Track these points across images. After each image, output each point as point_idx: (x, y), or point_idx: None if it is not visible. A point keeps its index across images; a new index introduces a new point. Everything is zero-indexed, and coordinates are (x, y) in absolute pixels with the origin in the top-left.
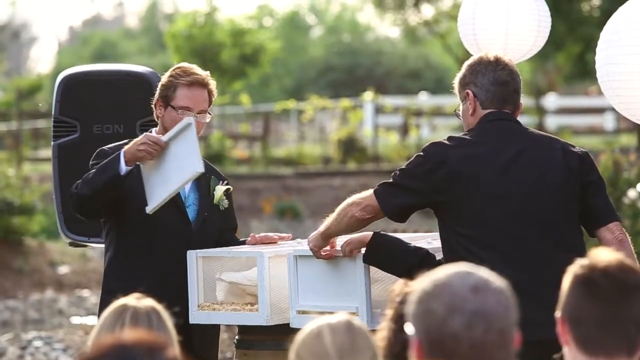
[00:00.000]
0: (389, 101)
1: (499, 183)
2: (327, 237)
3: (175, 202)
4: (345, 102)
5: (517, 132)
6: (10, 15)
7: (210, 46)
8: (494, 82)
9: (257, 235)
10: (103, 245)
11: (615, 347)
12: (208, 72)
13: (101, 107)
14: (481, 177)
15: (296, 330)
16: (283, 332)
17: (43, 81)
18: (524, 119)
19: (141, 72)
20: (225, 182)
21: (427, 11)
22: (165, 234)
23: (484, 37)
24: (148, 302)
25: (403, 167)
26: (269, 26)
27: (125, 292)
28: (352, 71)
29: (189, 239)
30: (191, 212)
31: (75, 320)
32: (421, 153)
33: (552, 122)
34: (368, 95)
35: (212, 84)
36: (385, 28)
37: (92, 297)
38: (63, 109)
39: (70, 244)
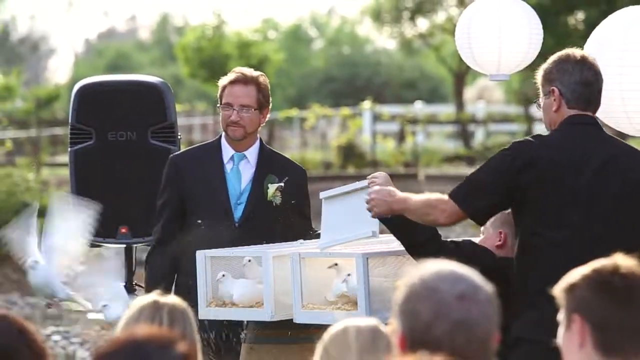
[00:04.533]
0: (387, 109)
1: (584, 188)
2: (395, 213)
3: (222, 202)
4: (345, 111)
5: (603, 139)
6: (29, 28)
7: (218, 57)
8: (581, 82)
9: None
10: (117, 246)
11: (635, 351)
12: (257, 73)
13: (115, 115)
14: (567, 181)
15: (298, 325)
16: (287, 327)
17: (60, 91)
18: (513, 127)
19: (153, 82)
20: (286, 178)
21: (422, 24)
22: (209, 233)
23: (479, 50)
24: (179, 302)
25: (483, 166)
26: (273, 39)
27: (175, 286)
28: (351, 81)
29: (232, 236)
30: (238, 211)
31: (91, 316)
32: (507, 151)
33: (540, 129)
34: (367, 104)
35: (259, 81)
36: (383, 40)
37: (107, 294)
38: (79, 117)
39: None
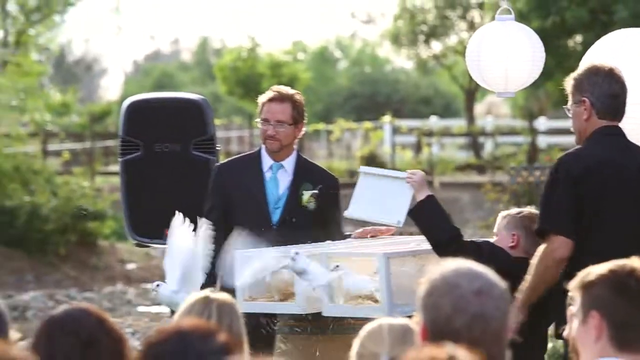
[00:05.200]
0: (405, 123)
1: (632, 193)
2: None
3: (261, 207)
4: (368, 124)
5: (632, 148)
6: (84, 51)
7: (252, 77)
8: (610, 95)
9: (366, 229)
10: (163, 246)
11: None
12: (293, 91)
13: (161, 129)
14: (616, 188)
15: (326, 317)
16: (316, 320)
17: (112, 107)
18: (519, 139)
19: (194, 99)
20: (320, 186)
21: (436, 47)
22: (250, 234)
23: (487, 70)
24: (227, 298)
25: (548, 195)
26: (302, 59)
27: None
28: (373, 98)
29: (270, 237)
30: (276, 215)
31: (141, 309)
32: (559, 167)
33: (542, 141)
34: (387, 118)
35: (294, 99)
36: (401, 61)
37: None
38: (128, 130)
39: (136, 245)
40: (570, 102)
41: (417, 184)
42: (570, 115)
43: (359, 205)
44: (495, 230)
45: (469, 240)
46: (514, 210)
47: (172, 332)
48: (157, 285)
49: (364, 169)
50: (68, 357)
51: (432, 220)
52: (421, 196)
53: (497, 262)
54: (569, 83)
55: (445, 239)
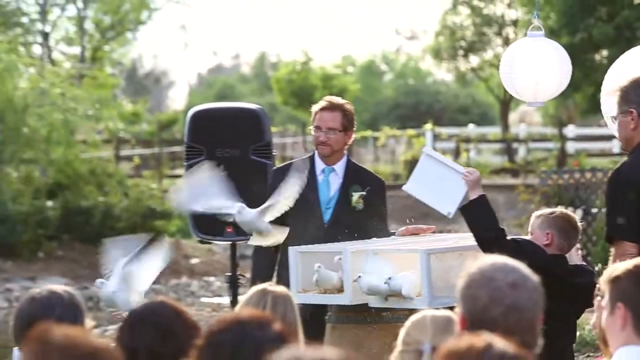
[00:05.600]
0: (445, 131)
1: None
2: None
3: (314, 207)
4: (411, 132)
5: None
6: (153, 65)
7: (305, 88)
8: None
9: (409, 227)
10: (225, 242)
11: None
12: (343, 101)
13: (222, 136)
14: None
15: (372, 308)
16: (363, 310)
17: (178, 116)
18: (549, 145)
19: (253, 109)
20: (368, 188)
21: (474, 60)
22: (303, 232)
23: (519, 81)
24: (283, 289)
25: (613, 206)
26: (351, 72)
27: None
28: (415, 107)
29: (322, 235)
30: (327, 214)
31: (204, 300)
32: (617, 178)
33: (571, 147)
34: (428, 126)
35: (344, 108)
36: (442, 74)
37: (216, 282)
38: (193, 137)
39: (199, 241)
40: (616, 112)
41: (472, 183)
42: (615, 124)
43: (417, 183)
44: (529, 229)
45: (511, 238)
46: (547, 210)
47: (231, 322)
48: (101, 283)
49: (427, 150)
50: (149, 346)
51: (481, 219)
52: (474, 195)
53: (537, 259)
54: (615, 92)
55: (491, 237)
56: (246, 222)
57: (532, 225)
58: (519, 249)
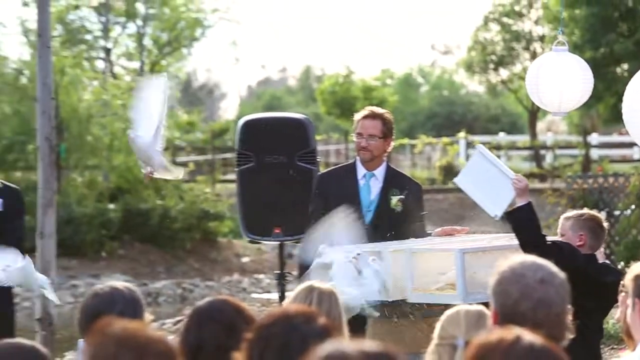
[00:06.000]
0: (477, 138)
1: None
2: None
3: (356, 210)
4: (445, 139)
5: None
6: (206, 78)
7: (347, 99)
8: None
9: (445, 228)
10: (273, 242)
11: None
12: (383, 110)
13: (270, 143)
14: None
15: (410, 304)
16: (401, 306)
17: (229, 125)
18: (574, 152)
19: (298, 118)
20: (406, 191)
21: (504, 73)
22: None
23: (544, 93)
24: (328, 286)
25: None
26: (390, 84)
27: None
28: (449, 117)
29: (364, 236)
30: (368, 216)
31: (254, 295)
32: None
33: (595, 153)
34: (461, 134)
35: (384, 117)
36: (474, 85)
37: (266, 279)
38: (243, 144)
39: (250, 241)
40: None
41: (520, 190)
42: None
43: (467, 178)
44: (559, 230)
45: (551, 241)
46: (576, 212)
47: (279, 316)
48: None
49: (481, 148)
50: (215, 340)
51: (526, 225)
52: (521, 202)
53: (575, 260)
54: None
55: (534, 242)
56: (138, 149)
57: (563, 227)
58: (560, 252)
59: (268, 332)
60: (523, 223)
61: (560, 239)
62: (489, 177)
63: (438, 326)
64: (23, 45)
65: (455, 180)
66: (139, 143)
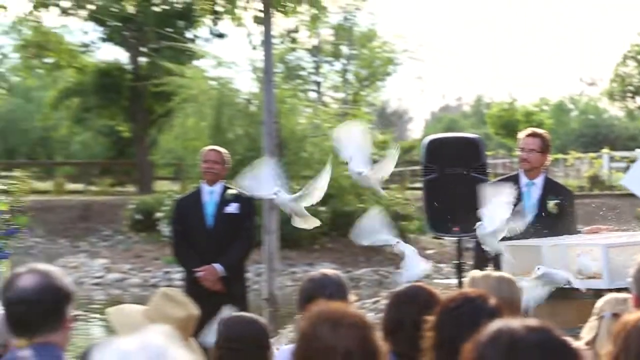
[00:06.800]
0: (618, 154)
1: None
2: None
3: (519, 212)
4: (591, 155)
5: None
6: (397, 105)
7: (511, 122)
8: None
9: (592, 227)
10: (452, 238)
11: None
12: (541, 130)
13: (450, 158)
14: None
15: (568, 288)
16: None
17: (416, 143)
18: None
19: (472, 137)
20: (561, 197)
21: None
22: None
23: None
24: (502, 273)
25: None
26: (546, 110)
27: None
28: (595, 136)
29: (528, 232)
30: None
31: (436, 281)
32: None
33: None
34: (605, 151)
35: (542, 135)
36: (615, 110)
37: (446, 267)
38: (428, 159)
39: (433, 237)
40: None
41: None
42: None
43: (632, 179)
44: None
45: None
46: None
47: (459, 297)
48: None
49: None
50: (412, 317)
51: None
52: None
53: None
54: None
55: None
56: (280, 204)
57: None
58: None
59: (449, 309)
60: None
61: None
62: None
63: (596, 305)
64: (252, 80)
65: (621, 181)
66: (281, 200)
